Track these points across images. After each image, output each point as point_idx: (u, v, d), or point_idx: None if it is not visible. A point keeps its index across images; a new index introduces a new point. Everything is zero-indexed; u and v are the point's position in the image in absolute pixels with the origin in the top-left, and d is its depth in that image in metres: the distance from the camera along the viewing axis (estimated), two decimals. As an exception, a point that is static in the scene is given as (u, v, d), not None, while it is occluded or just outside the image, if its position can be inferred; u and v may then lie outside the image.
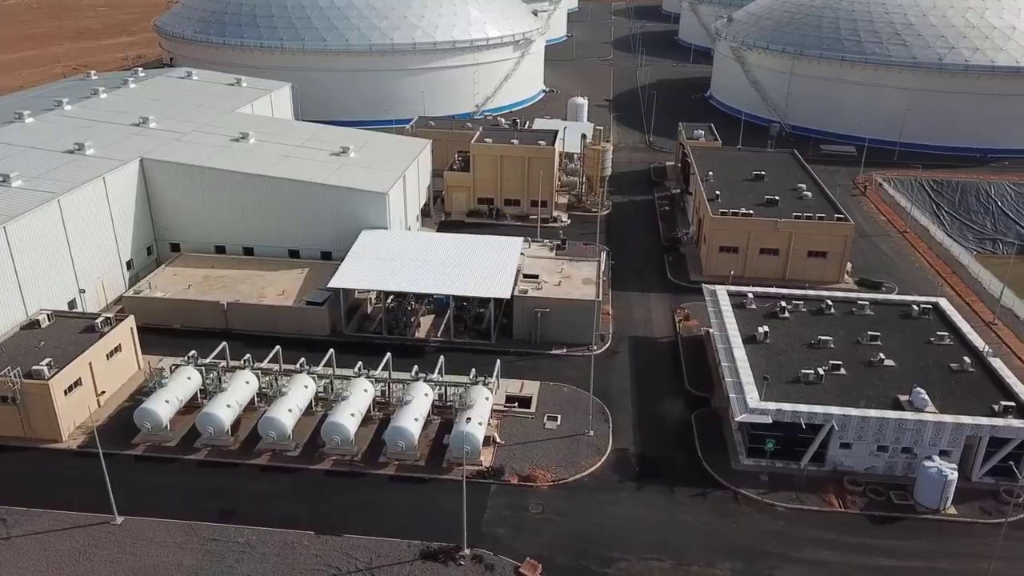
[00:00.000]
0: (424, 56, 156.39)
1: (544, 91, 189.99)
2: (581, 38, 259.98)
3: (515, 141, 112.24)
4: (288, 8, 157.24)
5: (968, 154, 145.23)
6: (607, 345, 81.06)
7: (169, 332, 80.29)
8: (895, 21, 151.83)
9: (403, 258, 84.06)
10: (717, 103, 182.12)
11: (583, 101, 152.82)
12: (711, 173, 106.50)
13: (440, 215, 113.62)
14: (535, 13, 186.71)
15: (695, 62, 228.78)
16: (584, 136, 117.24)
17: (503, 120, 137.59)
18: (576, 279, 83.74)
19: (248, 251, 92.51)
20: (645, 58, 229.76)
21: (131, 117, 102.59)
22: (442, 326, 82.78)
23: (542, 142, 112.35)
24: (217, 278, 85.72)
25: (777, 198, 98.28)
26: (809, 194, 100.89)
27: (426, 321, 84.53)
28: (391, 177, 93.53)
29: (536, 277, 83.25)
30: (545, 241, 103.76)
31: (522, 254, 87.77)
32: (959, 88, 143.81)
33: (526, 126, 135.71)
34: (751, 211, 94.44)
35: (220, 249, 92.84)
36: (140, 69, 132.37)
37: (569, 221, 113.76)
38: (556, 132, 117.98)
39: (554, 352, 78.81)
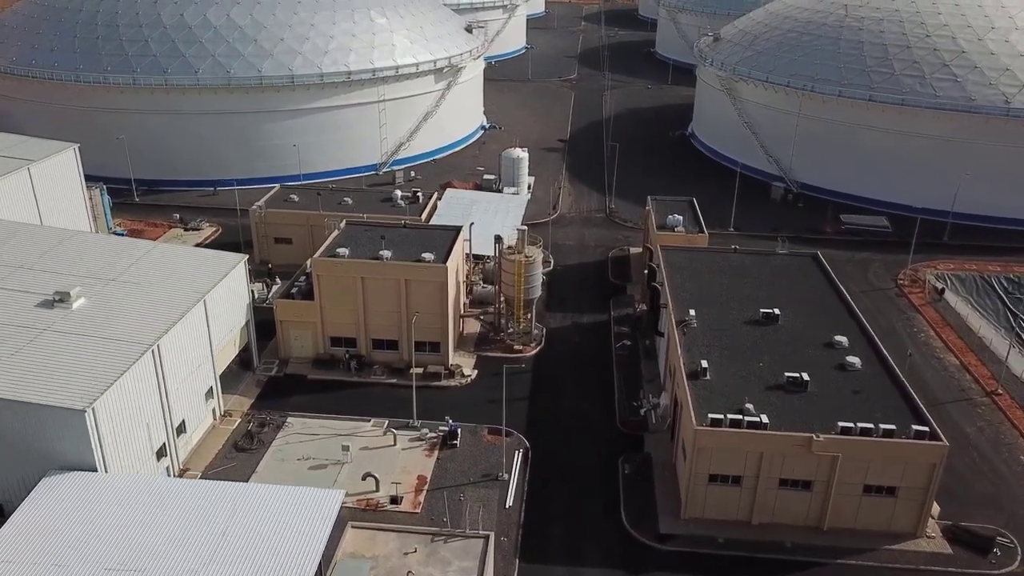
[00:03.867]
0: (307, 93, 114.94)
1: (485, 127, 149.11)
2: (543, 50, 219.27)
3: (386, 253, 70.83)
4: (119, 28, 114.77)
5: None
6: None
7: None
8: (940, 48, 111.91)
9: (93, 557, 42.98)
10: (699, 144, 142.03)
11: (522, 155, 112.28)
12: (693, 313, 65.77)
13: (271, 367, 72.51)
14: (468, 29, 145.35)
15: (674, 82, 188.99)
16: (499, 239, 76.21)
17: (399, 192, 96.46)
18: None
19: None
20: (613, 78, 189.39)
21: None
22: None
23: (428, 255, 70.81)
24: None
25: (805, 376, 57.61)
26: (857, 361, 60.17)
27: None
28: (116, 363, 51.83)
29: (351, 602, 42.44)
30: (425, 431, 63.96)
31: (350, 525, 46.78)
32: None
33: (431, 199, 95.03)
34: (762, 416, 53.68)
35: None
36: None
37: (474, 374, 72.83)
38: (458, 230, 76.67)
39: None
